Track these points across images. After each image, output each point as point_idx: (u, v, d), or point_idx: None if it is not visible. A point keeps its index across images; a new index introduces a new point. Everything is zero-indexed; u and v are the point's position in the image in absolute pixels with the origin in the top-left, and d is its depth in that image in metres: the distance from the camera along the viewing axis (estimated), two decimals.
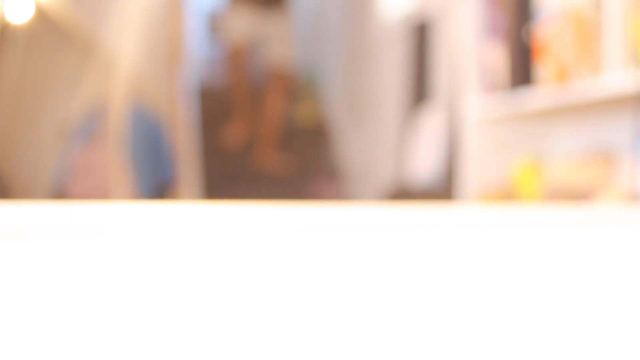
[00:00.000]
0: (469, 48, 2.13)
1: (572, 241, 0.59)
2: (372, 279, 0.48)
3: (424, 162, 2.48)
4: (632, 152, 1.68)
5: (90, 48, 2.02)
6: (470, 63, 2.12)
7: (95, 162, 2.01)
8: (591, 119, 1.87)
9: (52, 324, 0.39)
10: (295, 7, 3.23)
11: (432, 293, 0.49)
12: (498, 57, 1.99)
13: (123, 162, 2.01)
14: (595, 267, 0.56)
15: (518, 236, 0.59)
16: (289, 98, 3.12)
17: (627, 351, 0.49)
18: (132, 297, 0.42)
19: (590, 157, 1.81)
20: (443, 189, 2.33)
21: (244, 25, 3.00)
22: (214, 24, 3.26)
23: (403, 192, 2.58)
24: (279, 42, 3.04)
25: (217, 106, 2.87)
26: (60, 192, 1.94)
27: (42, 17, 1.91)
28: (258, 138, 2.97)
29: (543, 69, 1.81)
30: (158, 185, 2.13)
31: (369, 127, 3.05)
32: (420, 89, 2.62)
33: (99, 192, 1.98)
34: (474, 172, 2.08)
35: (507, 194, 2.00)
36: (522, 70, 1.90)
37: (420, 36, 2.61)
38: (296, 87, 3.22)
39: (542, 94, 1.81)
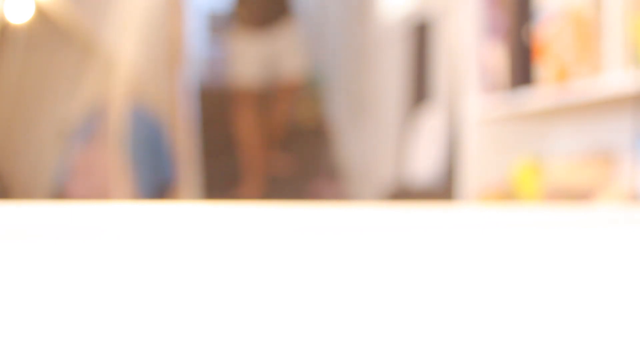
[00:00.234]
0: (469, 48, 2.13)
1: (572, 241, 0.59)
2: (372, 279, 0.48)
3: (424, 162, 2.48)
4: (632, 152, 1.68)
5: (90, 48, 2.02)
6: (470, 63, 2.12)
7: (95, 162, 2.01)
8: (591, 119, 1.87)
9: (53, 324, 0.39)
10: (299, 12, 3.22)
11: (432, 293, 0.49)
12: (498, 57, 1.99)
13: (123, 162, 2.01)
14: (595, 267, 0.56)
15: (518, 236, 0.59)
16: (296, 101, 3.13)
17: (627, 351, 0.49)
18: (133, 297, 0.42)
19: (590, 157, 1.81)
20: (443, 189, 2.33)
21: (251, 58, 2.97)
22: (215, 24, 3.25)
23: (403, 192, 2.58)
24: (289, 56, 3.03)
25: (217, 106, 2.87)
26: (60, 192, 1.94)
27: (42, 17, 1.91)
28: (264, 141, 2.96)
29: (543, 69, 1.81)
30: (158, 185, 2.13)
31: (369, 127, 3.05)
32: (420, 89, 2.62)
33: (99, 192, 1.98)
34: (474, 172, 2.08)
35: (507, 194, 2.00)
36: (522, 70, 1.90)
37: (420, 36, 2.60)
38: (301, 89, 3.23)
39: (542, 94, 1.81)
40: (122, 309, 0.41)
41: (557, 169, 1.88)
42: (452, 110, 2.32)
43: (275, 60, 3.01)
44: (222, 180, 2.81)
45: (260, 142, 2.96)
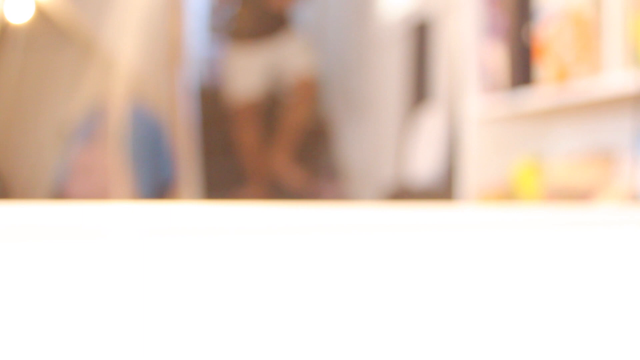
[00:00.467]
0: (469, 48, 2.13)
1: (572, 241, 0.59)
2: (372, 279, 0.48)
3: (424, 162, 2.48)
4: (632, 152, 1.68)
5: (90, 48, 2.02)
6: (470, 63, 2.12)
7: (95, 162, 2.01)
8: (591, 119, 1.87)
9: (52, 325, 0.39)
10: (297, 22, 3.17)
11: (432, 293, 0.49)
12: (498, 57, 1.99)
13: (123, 162, 2.01)
14: (595, 267, 0.56)
15: (518, 236, 0.59)
16: (314, 104, 3.07)
17: (627, 351, 0.49)
18: (132, 297, 0.42)
19: (590, 157, 1.81)
20: (443, 189, 2.33)
21: (254, 70, 2.90)
22: (214, 21, 3.22)
23: (403, 192, 2.58)
24: (296, 59, 2.96)
25: (217, 106, 2.87)
26: (60, 192, 1.94)
27: (42, 17, 1.91)
28: (277, 146, 2.92)
29: (543, 69, 1.81)
30: (158, 185, 2.13)
31: (369, 127, 3.05)
32: (420, 89, 2.62)
33: (99, 192, 1.98)
34: (474, 172, 2.08)
35: (507, 194, 2.00)
36: (522, 70, 1.90)
37: (420, 36, 2.60)
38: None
39: (542, 94, 1.81)
40: (122, 310, 0.41)
41: (557, 169, 1.88)
42: (452, 110, 2.32)
43: (280, 68, 2.95)
44: (222, 180, 2.82)
45: (264, 155, 2.92)
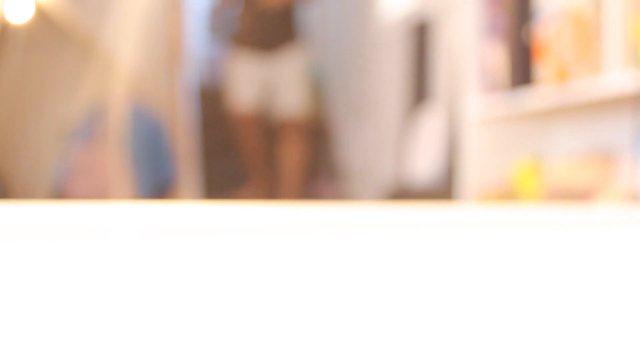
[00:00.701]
0: (469, 48, 2.13)
1: (572, 241, 0.59)
2: (371, 279, 0.48)
3: (424, 162, 2.48)
4: (632, 152, 1.68)
5: (90, 48, 2.02)
6: (470, 63, 2.12)
7: (95, 162, 2.01)
8: (591, 119, 1.87)
9: (52, 325, 0.39)
10: (306, 36, 3.05)
11: (432, 293, 0.49)
12: (498, 57, 1.99)
13: (123, 162, 2.01)
14: (595, 267, 0.56)
15: (518, 236, 0.59)
16: (307, 144, 2.97)
17: (627, 351, 0.49)
18: (132, 297, 0.42)
19: (590, 157, 1.81)
20: (443, 189, 2.33)
21: (249, 78, 2.83)
22: (213, 21, 3.19)
23: (403, 192, 2.58)
24: (290, 89, 2.88)
25: (217, 106, 2.87)
26: (60, 192, 1.94)
27: (42, 17, 1.91)
28: (280, 188, 2.86)
29: (543, 69, 1.81)
30: (158, 185, 2.13)
31: (369, 127, 3.05)
32: (420, 89, 2.62)
33: (99, 192, 1.98)
34: (474, 172, 2.08)
35: (507, 194, 2.00)
36: (522, 70, 1.90)
37: (420, 36, 2.60)
38: (312, 131, 3.06)
39: (542, 94, 1.81)
40: (123, 310, 0.41)
41: (557, 169, 1.88)
42: (452, 110, 2.32)
43: (274, 89, 2.87)
44: (222, 180, 2.82)
45: (262, 153, 2.89)
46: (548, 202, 1.85)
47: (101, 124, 2.00)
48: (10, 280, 0.40)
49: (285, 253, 0.48)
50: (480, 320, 0.47)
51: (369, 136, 3.04)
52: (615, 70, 1.57)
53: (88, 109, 2.01)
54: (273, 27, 2.88)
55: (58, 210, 0.53)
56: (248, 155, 2.86)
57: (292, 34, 2.90)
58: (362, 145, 3.08)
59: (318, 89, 3.16)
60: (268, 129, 2.90)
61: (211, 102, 2.89)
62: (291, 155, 2.85)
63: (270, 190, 2.84)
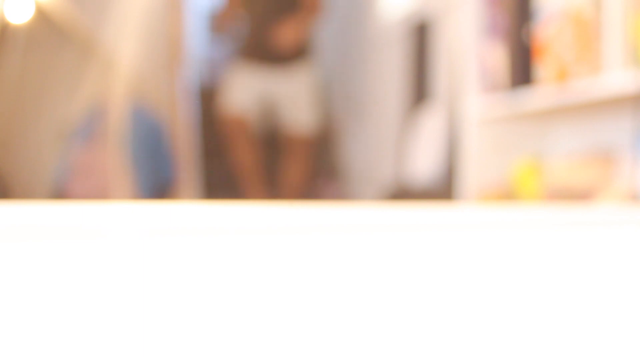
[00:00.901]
0: (469, 48, 2.13)
1: (572, 241, 0.59)
2: (371, 279, 0.48)
3: (424, 162, 2.48)
4: (632, 152, 1.68)
5: (90, 48, 2.02)
6: (470, 63, 2.12)
7: (95, 162, 2.01)
8: (591, 119, 1.87)
9: (53, 325, 0.39)
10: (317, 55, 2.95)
11: (432, 293, 0.49)
12: (498, 57, 1.99)
13: (123, 162, 2.01)
14: (595, 267, 0.56)
15: (518, 236, 0.59)
16: (310, 162, 2.89)
17: (627, 351, 0.49)
18: (132, 297, 0.42)
19: (590, 157, 1.81)
20: (443, 189, 2.33)
21: (248, 90, 2.75)
22: (212, 23, 3.15)
23: (403, 192, 2.58)
24: (296, 106, 2.78)
25: (217, 106, 2.87)
26: (60, 192, 1.94)
27: (42, 17, 1.91)
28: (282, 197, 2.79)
29: (543, 69, 1.81)
30: (158, 185, 2.13)
31: (369, 127, 3.05)
32: (420, 89, 2.62)
33: (99, 192, 1.98)
34: (474, 172, 2.08)
35: (507, 194, 2.00)
36: (522, 70, 1.90)
37: (420, 36, 2.60)
38: (316, 148, 2.94)
39: (542, 94, 1.81)
40: (123, 310, 0.41)
41: (557, 169, 1.88)
42: (452, 110, 2.32)
43: (278, 104, 2.78)
44: (222, 180, 2.81)
45: (256, 167, 2.82)
46: (548, 202, 1.85)
47: (101, 124, 2.00)
48: (10, 280, 0.40)
49: (285, 253, 0.48)
50: (481, 320, 0.47)
51: (369, 136, 3.04)
52: (615, 70, 1.57)
53: (88, 109, 2.01)
54: (279, 50, 2.79)
55: (58, 210, 0.53)
56: (240, 166, 2.79)
57: (302, 52, 2.83)
58: (362, 145, 3.08)
59: (317, 89, 3.15)
60: (269, 144, 2.83)
61: (211, 102, 2.89)
62: (293, 173, 2.78)
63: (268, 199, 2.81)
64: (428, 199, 2.36)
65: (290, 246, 0.49)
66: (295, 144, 2.79)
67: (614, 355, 0.48)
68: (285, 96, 2.77)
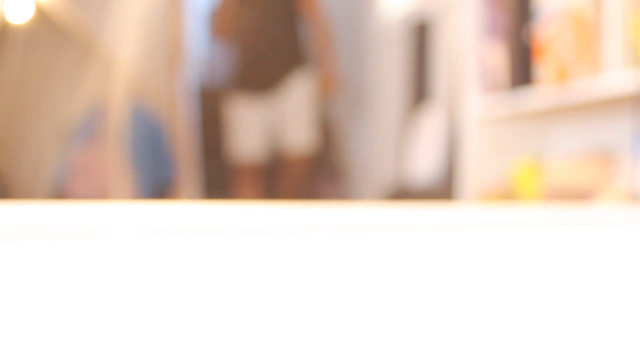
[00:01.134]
0: (469, 48, 2.13)
1: (572, 241, 0.59)
2: (372, 279, 0.48)
3: (424, 162, 2.48)
4: (632, 152, 1.68)
5: (90, 48, 2.02)
6: (470, 63, 2.12)
7: (95, 162, 2.01)
8: (591, 119, 1.87)
9: (53, 325, 0.39)
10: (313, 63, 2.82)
11: (432, 293, 0.49)
12: (498, 57, 1.99)
13: (123, 162, 2.01)
14: (595, 267, 0.56)
15: (518, 236, 0.59)
16: (308, 177, 2.84)
17: (627, 351, 0.49)
18: (132, 297, 0.42)
19: (590, 157, 1.81)
20: (443, 189, 2.33)
21: (253, 127, 2.64)
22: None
23: (403, 192, 2.58)
24: (295, 126, 2.69)
25: (217, 106, 2.87)
26: (60, 192, 1.94)
27: (42, 17, 1.91)
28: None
29: (543, 69, 1.81)
30: (158, 185, 2.13)
31: (369, 127, 3.05)
32: (420, 89, 2.62)
33: (99, 192, 1.98)
34: (474, 172, 2.08)
35: (507, 194, 2.00)
36: (522, 70, 1.90)
37: (420, 36, 2.61)
38: (313, 165, 2.94)
39: (542, 94, 1.81)
40: (123, 310, 0.41)
41: (557, 169, 1.88)
42: (452, 110, 2.32)
43: (279, 127, 2.70)
44: (222, 180, 2.81)
45: (261, 194, 2.76)
46: (548, 202, 1.85)
47: (101, 124, 2.00)
48: (10, 280, 0.40)
49: (285, 253, 0.48)
50: (481, 320, 0.47)
51: (369, 136, 3.04)
52: (615, 70, 1.57)
53: (88, 109, 2.01)
54: (274, 63, 2.71)
55: (58, 210, 0.53)
56: (246, 197, 2.74)
57: (297, 63, 2.73)
58: (362, 145, 3.08)
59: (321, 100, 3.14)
60: (270, 170, 2.78)
61: (211, 102, 2.89)
62: (290, 188, 2.74)
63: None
64: (428, 199, 2.36)
65: (291, 246, 0.49)
66: (295, 163, 2.72)
67: (614, 355, 0.48)
68: (285, 117, 2.70)
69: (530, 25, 1.87)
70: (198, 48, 3.09)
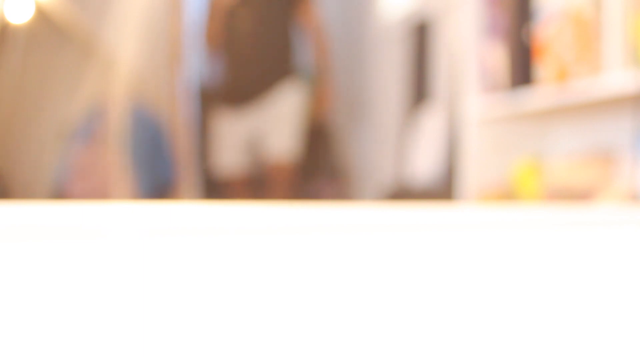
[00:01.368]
0: (469, 48, 2.13)
1: (572, 241, 0.59)
2: (372, 279, 0.48)
3: (424, 162, 2.48)
4: (632, 152, 1.68)
5: (90, 48, 2.02)
6: (470, 63, 2.12)
7: (95, 163, 2.01)
8: (591, 119, 1.87)
9: (53, 325, 0.39)
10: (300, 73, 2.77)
11: (432, 293, 0.49)
12: (498, 57, 1.99)
13: (123, 162, 2.01)
14: (595, 267, 0.56)
15: (518, 236, 0.59)
16: (291, 188, 2.79)
17: (627, 351, 0.49)
18: (132, 297, 0.42)
19: (590, 157, 1.81)
20: (443, 189, 2.33)
21: (236, 141, 2.59)
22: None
23: (403, 192, 2.58)
24: (278, 134, 2.63)
25: (216, 106, 2.86)
26: (60, 192, 1.94)
27: (42, 17, 1.91)
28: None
29: (543, 69, 1.81)
30: (158, 185, 2.13)
31: (369, 127, 3.05)
32: (420, 89, 2.62)
33: (99, 192, 1.98)
34: (474, 172, 2.08)
35: (507, 194, 2.00)
36: (522, 70, 1.90)
37: (420, 36, 2.60)
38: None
39: (542, 94, 1.81)
40: (123, 310, 0.41)
41: (557, 169, 1.88)
42: (452, 110, 2.32)
43: (261, 138, 2.64)
44: (222, 180, 2.81)
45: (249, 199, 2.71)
46: (548, 202, 1.85)
47: (101, 124, 2.00)
48: (10, 280, 0.40)
49: (285, 253, 0.48)
50: (481, 320, 0.47)
51: (369, 136, 3.04)
52: (615, 70, 1.57)
53: (88, 109, 2.01)
54: (262, 74, 2.65)
55: (58, 210, 0.53)
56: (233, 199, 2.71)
57: (286, 74, 2.67)
58: (362, 145, 3.08)
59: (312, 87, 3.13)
60: (256, 179, 2.74)
61: (211, 102, 2.89)
62: (276, 196, 2.70)
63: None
64: (428, 199, 2.36)
65: (291, 246, 0.49)
66: (279, 173, 2.67)
67: (614, 355, 0.48)
68: (269, 126, 2.65)
69: (530, 25, 1.87)
70: (198, 48, 3.08)
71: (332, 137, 3.19)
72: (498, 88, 1.99)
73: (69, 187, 1.97)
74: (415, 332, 0.45)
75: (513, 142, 2.06)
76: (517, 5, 1.92)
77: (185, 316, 0.42)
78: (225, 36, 2.67)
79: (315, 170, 3.04)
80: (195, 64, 2.83)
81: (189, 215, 0.54)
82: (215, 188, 2.66)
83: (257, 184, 2.69)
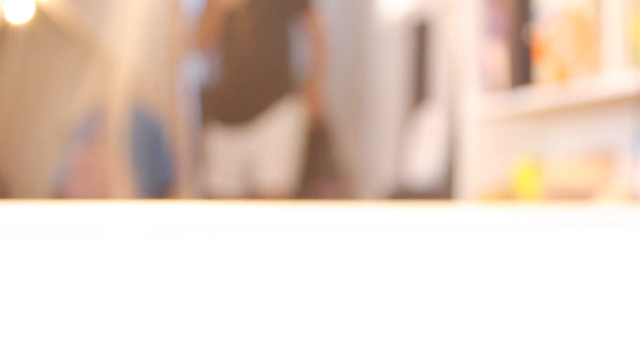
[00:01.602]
0: (469, 48, 2.13)
1: (572, 241, 0.59)
2: (372, 279, 0.48)
3: (424, 162, 2.48)
4: (632, 152, 1.68)
5: (90, 48, 2.02)
6: (470, 63, 2.12)
7: (95, 162, 2.01)
8: (591, 119, 1.87)
9: (53, 325, 0.39)
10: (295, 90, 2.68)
11: (432, 293, 0.49)
12: (498, 57, 1.99)
13: (123, 162, 2.01)
14: (595, 267, 0.56)
15: (518, 236, 0.59)
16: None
17: (627, 352, 0.49)
18: (132, 297, 0.42)
19: (590, 157, 1.81)
20: (443, 189, 2.33)
21: (229, 164, 2.49)
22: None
23: (403, 192, 2.58)
24: (272, 163, 2.53)
25: (216, 106, 2.86)
26: (60, 192, 1.94)
27: (42, 17, 1.91)
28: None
29: (543, 69, 1.81)
30: (158, 185, 2.13)
31: (369, 127, 3.05)
32: (420, 89, 2.62)
33: (99, 192, 1.98)
34: (474, 172, 2.08)
35: (507, 194, 2.00)
36: (522, 70, 1.90)
37: (420, 36, 2.60)
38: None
39: (542, 94, 1.81)
40: (123, 310, 0.41)
41: (557, 169, 1.88)
42: (452, 110, 2.32)
43: (255, 163, 2.54)
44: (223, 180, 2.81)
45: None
46: (548, 202, 1.85)
47: (101, 124, 2.00)
48: (10, 280, 0.40)
49: (285, 253, 0.48)
50: (481, 320, 0.47)
51: (369, 136, 3.04)
52: (615, 70, 1.57)
53: (88, 109, 2.01)
54: (260, 93, 2.54)
55: (58, 210, 0.53)
56: None
57: (285, 92, 2.57)
58: (362, 145, 3.08)
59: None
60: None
61: (211, 102, 2.89)
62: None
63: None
64: (428, 199, 2.36)
65: (290, 246, 0.49)
66: (272, 199, 2.56)
67: (614, 355, 0.48)
68: (262, 152, 2.55)
69: (530, 25, 1.87)
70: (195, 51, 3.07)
71: (332, 137, 3.19)
72: (498, 88, 1.99)
73: (69, 187, 1.97)
74: (416, 332, 0.45)
75: (513, 142, 2.06)
76: (517, 5, 1.92)
77: (185, 316, 0.42)
78: (221, 39, 2.60)
79: (315, 171, 3.04)
80: (196, 64, 2.83)
81: (189, 215, 0.54)
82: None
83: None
